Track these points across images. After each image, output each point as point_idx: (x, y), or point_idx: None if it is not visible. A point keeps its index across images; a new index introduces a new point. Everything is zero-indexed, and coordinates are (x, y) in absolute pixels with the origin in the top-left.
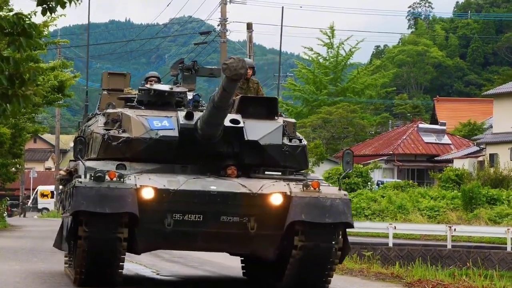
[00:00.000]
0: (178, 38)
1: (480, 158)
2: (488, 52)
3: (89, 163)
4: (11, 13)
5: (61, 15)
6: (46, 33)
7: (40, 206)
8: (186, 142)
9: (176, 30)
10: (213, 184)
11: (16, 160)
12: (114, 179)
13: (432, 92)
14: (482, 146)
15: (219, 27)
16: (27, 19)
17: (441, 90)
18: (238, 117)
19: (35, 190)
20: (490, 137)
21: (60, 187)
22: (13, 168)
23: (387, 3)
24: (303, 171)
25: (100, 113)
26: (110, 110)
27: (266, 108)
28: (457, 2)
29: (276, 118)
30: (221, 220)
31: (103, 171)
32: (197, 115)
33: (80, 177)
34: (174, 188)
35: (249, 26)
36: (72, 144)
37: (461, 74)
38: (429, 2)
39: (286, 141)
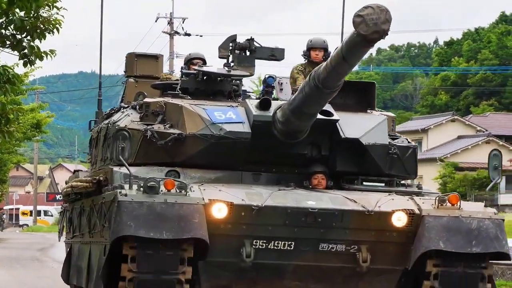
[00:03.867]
0: None
1: None
2: (387, 98)
3: (124, 170)
4: None
5: (38, 67)
6: (27, 81)
7: (21, 223)
8: (260, 141)
9: None
10: (309, 198)
11: (2, 185)
12: (173, 190)
13: None
14: None
15: None
16: (11, 70)
17: None
18: (328, 107)
19: (18, 209)
20: None
21: (64, 204)
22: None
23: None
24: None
25: (128, 106)
26: (149, 100)
27: (359, 97)
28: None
29: (369, 111)
30: (320, 250)
31: (156, 180)
32: (274, 104)
33: (120, 187)
34: (258, 203)
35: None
36: (47, 172)
37: None
38: None
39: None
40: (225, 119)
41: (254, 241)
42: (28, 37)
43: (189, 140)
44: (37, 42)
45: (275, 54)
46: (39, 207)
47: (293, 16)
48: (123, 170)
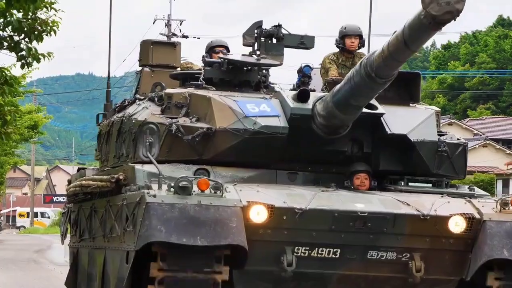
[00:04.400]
0: (131, 88)
1: None
2: None
3: (147, 168)
4: None
5: (35, 68)
6: (24, 83)
7: (18, 224)
8: (297, 137)
9: (129, 81)
10: (357, 201)
11: None
12: (207, 191)
13: None
14: None
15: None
16: (8, 72)
17: None
18: (373, 100)
19: (15, 211)
20: None
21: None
22: None
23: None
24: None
25: (144, 97)
26: (170, 91)
27: (402, 89)
28: None
29: (412, 104)
30: (369, 258)
31: (188, 179)
32: (313, 95)
33: (147, 187)
34: (301, 206)
35: None
36: (44, 174)
37: None
38: None
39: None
40: (259, 112)
41: (296, 248)
42: (26, 39)
43: (219, 135)
44: (34, 43)
45: (305, 42)
46: (36, 209)
47: (292, 16)
48: (147, 168)
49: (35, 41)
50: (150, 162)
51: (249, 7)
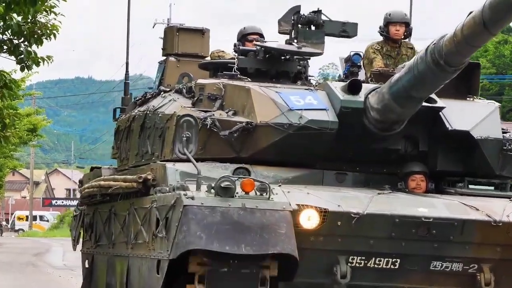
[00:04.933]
0: (131, 92)
1: None
2: None
3: (180, 166)
4: None
5: (35, 72)
6: (24, 86)
7: (16, 227)
8: (347, 133)
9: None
10: (420, 205)
11: None
12: (252, 192)
13: None
14: None
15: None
16: (8, 75)
17: None
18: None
19: (13, 214)
20: None
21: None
22: None
23: None
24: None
25: (170, 89)
26: (203, 81)
27: (459, 81)
28: None
29: (470, 98)
30: (432, 269)
31: (231, 179)
32: (364, 87)
33: (183, 188)
34: (358, 211)
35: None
36: (43, 177)
37: None
38: (336, 65)
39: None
40: (304, 105)
41: (351, 257)
42: (25, 42)
43: (260, 130)
44: (34, 47)
45: (347, 30)
46: (34, 212)
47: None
48: (179, 166)
49: (34, 44)
50: (182, 160)
51: (249, 7)
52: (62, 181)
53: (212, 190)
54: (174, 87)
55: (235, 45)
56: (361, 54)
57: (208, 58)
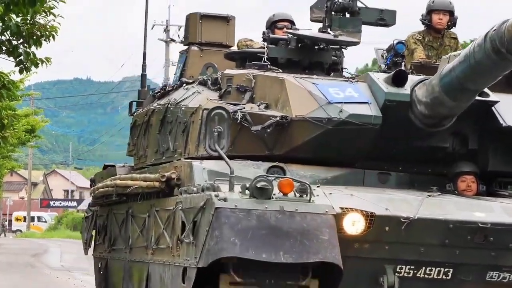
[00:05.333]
0: (129, 93)
1: None
2: None
3: (208, 164)
4: None
5: (33, 73)
6: (22, 87)
7: (14, 228)
8: (392, 129)
9: (128, 86)
10: (475, 209)
11: None
12: (291, 194)
13: None
14: None
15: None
16: (6, 76)
17: None
18: None
19: (11, 215)
20: None
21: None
22: None
23: None
24: None
25: (192, 81)
26: (231, 72)
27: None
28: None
29: None
30: (488, 280)
31: (268, 179)
32: (410, 78)
33: (213, 188)
34: (408, 215)
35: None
36: (41, 178)
37: None
38: None
39: None
40: (344, 98)
41: (399, 266)
42: (24, 44)
43: (296, 125)
44: (33, 49)
45: (385, 18)
46: (32, 213)
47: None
48: (207, 164)
49: (33, 46)
50: (208, 157)
51: (249, 7)
52: (60, 182)
53: (247, 191)
54: (197, 78)
55: (263, 33)
56: (405, 42)
57: (234, 48)
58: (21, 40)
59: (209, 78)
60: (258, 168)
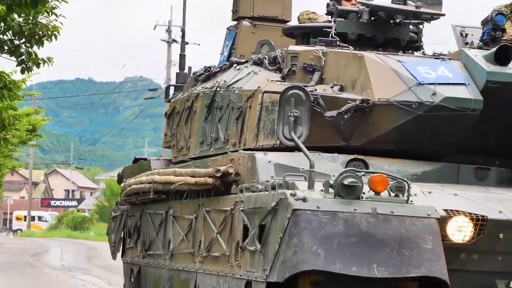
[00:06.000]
0: (131, 93)
1: None
2: None
3: (273, 157)
4: None
5: (36, 73)
6: (24, 87)
7: (14, 227)
8: (493, 115)
9: (129, 87)
10: None
11: None
12: (384, 193)
13: None
14: None
15: (165, 85)
16: (7, 76)
17: None
18: None
19: (12, 214)
20: None
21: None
22: None
23: None
24: None
25: (245, 60)
26: (295, 48)
27: None
28: None
29: None
30: None
31: (357, 175)
32: None
33: (286, 185)
34: None
35: None
36: (42, 178)
37: None
38: None
39: None
40: (437, 78)
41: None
42: (26, 43)
43: (379, 110)
44: (35, 48)
45: None
46: (33, 213)
47: None
48: (272, 157)
49: (35, 45)
50: (270, 149)
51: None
52: (61, 181)
53: (331, 189)
54: (251, 57)
55: (328, 5)
56: (507, 12)
57: (292, 23)
58: (23, 40)
59: (265, 57)
60: (334, 161)
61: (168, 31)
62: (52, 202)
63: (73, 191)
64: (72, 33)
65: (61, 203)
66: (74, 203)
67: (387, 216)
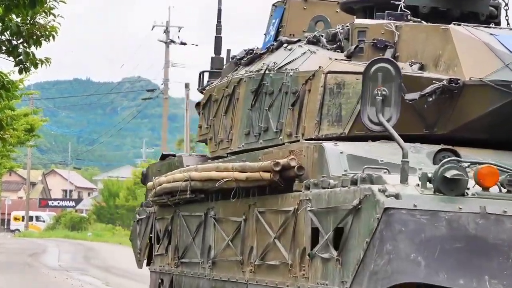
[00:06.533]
0: (128, 94)
1: None
2: None
3: (345, 147)
4: None
5: (33, 72)
6: (22, 87)
7: (12, 228)
8: None
9: (127, 87)
10: None
11: None
12: (493, 188)
13: None
14: None
15: (162, 86)
16: (5, 77)
17: None
18: None
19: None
20: None
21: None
22: None
23: None
24: None
25: (297, 39)
26: (362, 21)
27: None
28: None
29: None
30: None
31: (461, 166)
32: None
33: (375, 180)
34: None
35: (187, 86)
36: (40, 178)
37: None
38: None
39: None
40: None
41: None
42: (24, 44)
43: (470, 92)
44: (32, 48)
45: None
46: (31, 213)
47: None
48: (344, 147)
49: (33, 46)
50: (337, 138)
51: (249, 11)
52: (58, 182)
53: (429, 184)
54: (304, 36)
55: None
56: None
57: None
58: (21, 40)
59: (322, 34)
60: (417, 152)
61: (166, 31)
62: (50, 202)
63: (71, 191)
64: (71, 33)
65: (59, 203)
66: (72, 203)
67: (499, 217)
